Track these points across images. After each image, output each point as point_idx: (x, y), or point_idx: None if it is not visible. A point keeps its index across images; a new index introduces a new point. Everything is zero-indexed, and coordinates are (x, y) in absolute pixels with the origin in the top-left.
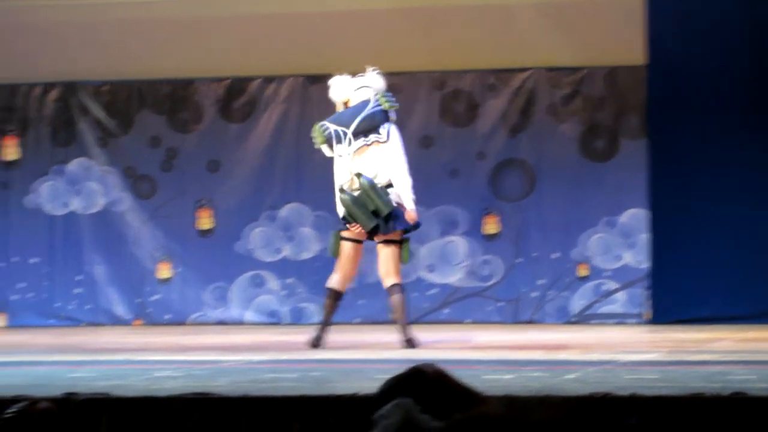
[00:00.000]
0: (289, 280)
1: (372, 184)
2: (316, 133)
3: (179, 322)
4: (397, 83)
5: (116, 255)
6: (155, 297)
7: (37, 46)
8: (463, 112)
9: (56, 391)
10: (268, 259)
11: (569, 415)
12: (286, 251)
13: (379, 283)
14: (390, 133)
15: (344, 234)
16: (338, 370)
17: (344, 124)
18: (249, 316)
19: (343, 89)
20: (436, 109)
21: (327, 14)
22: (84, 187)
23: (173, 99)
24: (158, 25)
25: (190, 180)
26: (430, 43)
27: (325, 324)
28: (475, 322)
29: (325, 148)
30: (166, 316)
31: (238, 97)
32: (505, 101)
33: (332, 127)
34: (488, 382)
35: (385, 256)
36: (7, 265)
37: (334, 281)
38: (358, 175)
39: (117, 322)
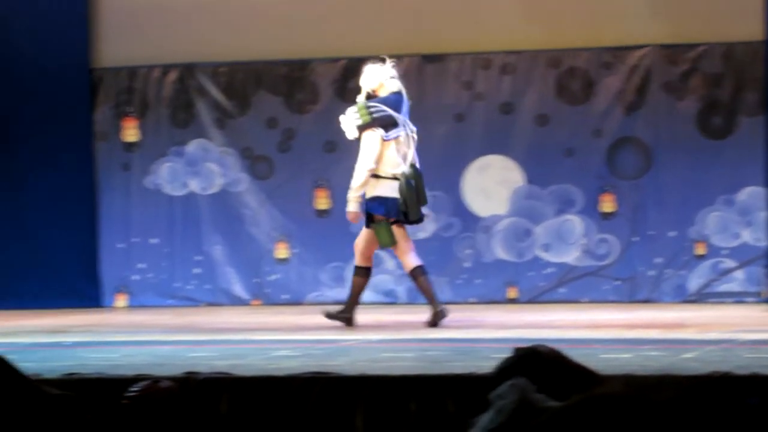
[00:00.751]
0: None
1: (421, 175)
2: (362, 111)
3: (297, 302)
4: (512, 62)
5: (234, 235)
6: (273, 277)
7: (156, 28)
8: (579, 90)
9: (177, 371)
10: None
11: (689, 394)
12: None
13: (496, 263)
14: None
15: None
16: (454, 350)
17: (397, 111)
18: (366, 295)
19: (379, 76)
20: (552, 87)
21: None
22: (202, 168)
23: (290, 80)
24: (275, 6)
25: (307, 160)
26: (545, 21)
27: (434, 299)
28: (591, 302)
29: (353, 130)
30: (284, 296)
31: (354, 77)
32: (622, 79)
33: (387, 110)
34: (606, 362)
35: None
36: (127, 246)
37: (415, 259)
38: (413, 165)
39: (235, 302)
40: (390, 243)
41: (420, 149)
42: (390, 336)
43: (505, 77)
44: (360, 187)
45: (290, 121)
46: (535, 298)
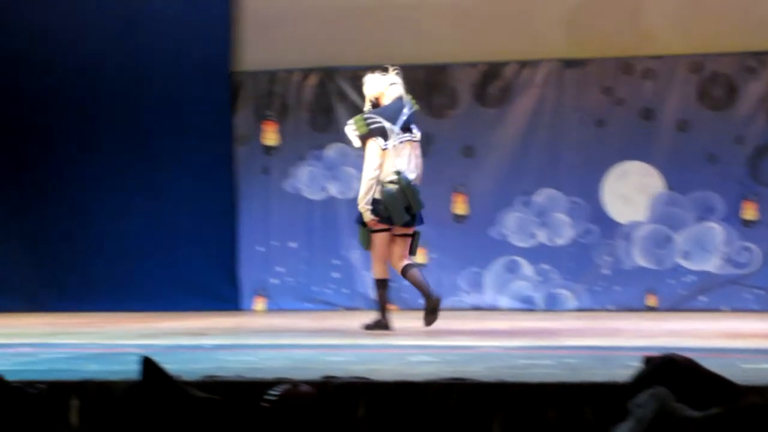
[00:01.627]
0: (544, 266)
1: (408, 182)
2: (358, 123)
3: None
4: (653, 67)
5: None
6: None
7: (297, 32)
8: (722, 95)
9: (315, 375)
10: (523, 245)
11: None
12: (541, 237)
13: (635, 270)
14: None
15: (373, 227)
16: (593, 357)
17: (390, 120)
18: (503, 301)
19: (378, 84)
20: (694, 92)
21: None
22: (341, 172)
23: (429, 84)
24: (414, 10)
25: (445, 165)
26: (687, 25)
27: (384, 311)
28: (732, 311)
29: (356, 139)
30: (422, 301)
31: (493, 82)
32: (766, 84)
33: (381, 121)
34: (747, 372)
35: (404, 245)
36: (266, 249)
37: (380, 271)
38: (398, 172)
39: (372, 306)
40: (366, 246)
41: (559, 154)
42: (528, 343)
43: (646, 82)
44: (365, 195)
45: (428, 126)
46: (674, 307)
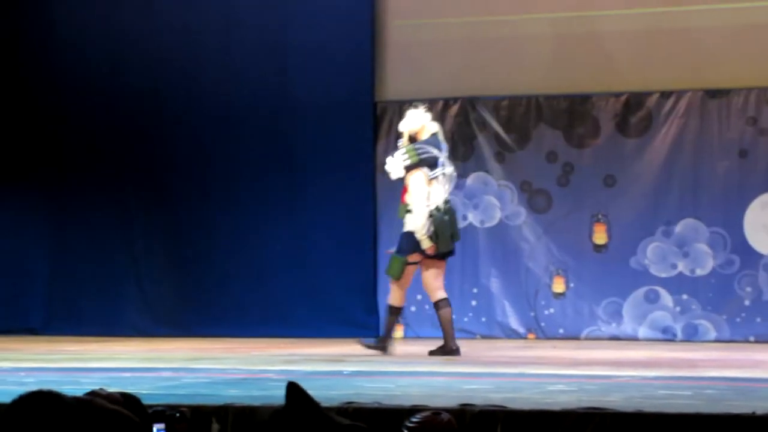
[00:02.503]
0: (684, 297)
1: (454, 211)
2: (411, 153)
3: (572, 336)
4: None
5: (511, 268)
6: (549, 311)
7: (438, 62)
8: None
9: (452, 402)
10: (663, 275)
11: None
12: (681, 267)
13: None
14: None
15: (410, 259)
16: (733, 389)
17: (438, 150)
18: (643, 332)
19: (420, 119)
20: None
21: (724, 28)
22: (481, 201)
23: (570, 114)
24: (555, 40)
25: (585, 194)
26: None
27: (389, 336)
28: None
29: (400, 170)
30: (560, 331)
31: (635, 112)
32: None
33: (432, 151)
34: None
35: (441, 273)
36: None
37: (398, 299)
38: (446, 201)
39: (510, 335)
40: (398, 276)
41: (700, 184)
42: (667, 373)
43: None
44: (424, 224)
45: (570, 155)
46: None
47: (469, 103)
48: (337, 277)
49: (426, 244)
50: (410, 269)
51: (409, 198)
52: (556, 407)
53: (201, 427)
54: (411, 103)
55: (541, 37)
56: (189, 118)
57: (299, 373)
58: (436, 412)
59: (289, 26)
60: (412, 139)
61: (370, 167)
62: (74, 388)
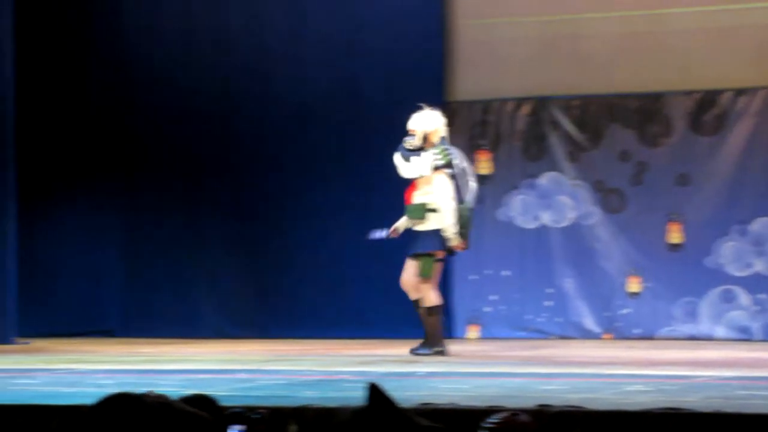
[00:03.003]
0: (761, 296)
1: (471, 209)
2: (443, 154)
3: (648, 336)
4: None
5: (586, 268)
6: (624, 311)
7: (510, 62)
8: None
9: (529, 403)
10: (739, 274)
11: None
12: (758, 266)
13: None
14: None
15: (437, 256)
16: None
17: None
18: (719, 331)
19: (437, 121)
20: None
21: None
22: (554, 201)
23: (643, 113)
24: (628, 39)
25: (659, 194)
26: None
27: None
28: None
29: (427, 169)
30: (635, 331)
31: (708, 110)
32: None
33: (454, 153)
34: None
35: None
36: (480, 278)
37: (437, 297)
38: (461, 200)
39: (586, 335)
40: (431, 276)
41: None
42: (745, 373)
43: None
44: (453, 224)
45: (643, 154)
46: None
47: (541, 103)
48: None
49: (455, 242)
50: (437, 266)
51: (435, 197)
52: (634, 408)
53: (278, 429)
54: (486, 102)
55: (612, 36)
56: (261, 120)
57: (375, 374)
58: (515, 412)
59: (360, 28)
60: (425, 139)
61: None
62: (151, 390)
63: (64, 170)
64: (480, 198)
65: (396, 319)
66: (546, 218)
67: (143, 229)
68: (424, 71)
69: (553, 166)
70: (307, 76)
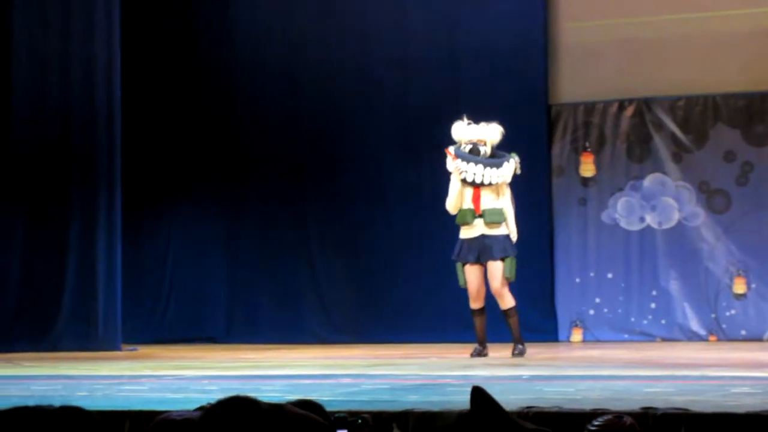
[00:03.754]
0: None
1: None
2: (518, 164)
3: (755, 338)
4: None
5: (691, 270)
6: (731, 312)
7: (613, 63)
8: None
9: (634, 405)
10: None
11: None
12: None
13: None
14: None
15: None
16: None
17: None
18: None
19: (500, 134)
20: None
21: None
22: (658, 203)
23: (749, 112)
24: (731, 38)
25: (765, 194)
26: None
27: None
28: None
29: (509, 178)
30: (742, 332)
31: None
32: None
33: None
34: None
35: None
36: (583, 280)
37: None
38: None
39: (691, 337)
40: (514, 276)
41: None
42: None
43: None
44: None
45: (748, 154)
46: None
47: (645, 104)
48: (514, 282)
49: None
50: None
51: (507, 204)
52: (741, 410)
53: None
54: (590, 104)
55: (715, 35)
56: (365, 126)
57: (478, 378)
58: (619, 415)
59: (462, 31)
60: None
61: (545, 171)
62: (255, 395)
63: (169, 178)
64: (584, 200)
65: (499, 322)
66: (650, 220)
67: (246, 237)
68: (526, 74)
69: (658, 168)
70: (410, 80)
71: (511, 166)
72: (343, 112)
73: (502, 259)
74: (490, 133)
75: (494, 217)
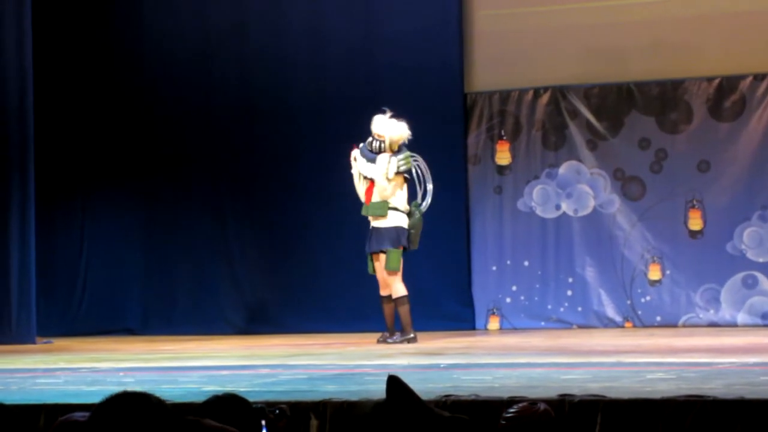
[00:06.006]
0: None
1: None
2: (407, 160)
3: (670, 324)
4: None
5: (607, 257)
6: (646, 299)
7: (528, 51)
8: None
9: (551, 393)
10: (761, 260)
11: None
12: None
13: None
14: None
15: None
16: None
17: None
18: (741, 318)
19: (404, 132)
20: None
21: None
22: (574, 190)
23: (663, 100)
24: (646, 26)
25: (679, 181)
26: None
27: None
28: None
29: (391, 173)
30: (657, 318)
31: (728, 96)
32: None
33: (419, 160)
34: None
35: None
36: (500, 268)
37: (404, 288)
38: (416, 204)
39: (608, 324)
40: (399, 268)
41: None
42: None
43: None
44: (406, 222)
45: (663, 142)
46: None
47: (560, 92)
48: (430, 271)
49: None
50: (401, 259)
51: (395, 198)
52: (656, 396)
53: (299, 424)
54: (505, 93)
55: (631, 24)
56: (279, 117)
57: (396, 367)
58: (533, 402)
59: (377, 20)
60: (391, 146)
61: (461, 159)
62: (172, 387)
63: (84, 170)
64: (500, 188)
65: (416, 311)
66: (566, 207)
67: (163, 228)
68: (442, 63)
69: (573, 155)
70: (325, 69)
71: (383, 161)
72: (257, 104)
73: (382, 252)
74: (390, 129)
75: (375, 211)
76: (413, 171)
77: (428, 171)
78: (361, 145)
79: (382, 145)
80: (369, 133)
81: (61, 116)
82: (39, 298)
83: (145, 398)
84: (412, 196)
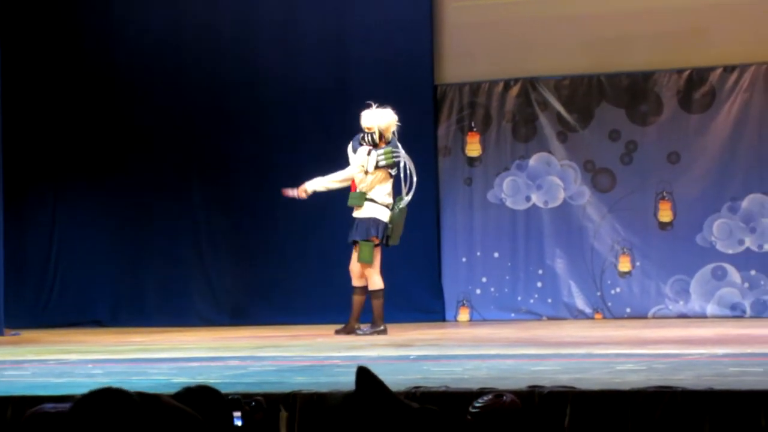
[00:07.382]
0: (752, 273)
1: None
2: (387, 155)
3: (640, 315)
4: None
5: (576, 249)
6: (616, 290)
7: (498, 43)
8: None
9: (520, 384)
10: (730, 251)
11: None
12: (749, 243)
13: None
14: None
15: (375, 241)
16: None
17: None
18: (711, 309)
19: (391, 119)
20: None
21: None
22: (544, 182)
23: (633, 92)
24: (616, 18)
25: (649, 172)
26: None
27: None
28: None
29: (371, 167)
30: (627, 310)
31: (698, 88)
32: None
33: (402, 156)
34: None
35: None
36: (470, 260)
37: (380, 281)
38: (400, 198)
39: (577, 315)
40: (371, 260)
41: (766, 158)
42: (737, 350)
43: None
44: (386, 216)
45: (633, 133)
46: None
47: (530, 84)
48: (401, 262)
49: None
50: (377, 251)
51: (374, 191)
52: (626, 387)
53: (269, 415)
54: (475, 84)
55: (601, 15)
56: (249, 109)
57: (365, 358)
58: (499, 394)
59: (348, 12)
60: (381, 136)
61: (431, 151)
62: (142, 378)
63: (54, 162)
64: (470, 180)
65: (385, 303)
66: (536, 199)
67: (132, 220)
68: (412, 54)
69: (543, 147)
70: (296, 64)
71: (362, 154)
72: (227, 97)
73: (356, 242)
74: (377, 119)
75: (352, 201)
76: (400, 165)
77: (413, 164)
78: (354, 138)
79: (374, 137)
80: (339, 124)
81: (30, 109)
82: (7, 289)
83: (123, 395)
84: (398, 191)
